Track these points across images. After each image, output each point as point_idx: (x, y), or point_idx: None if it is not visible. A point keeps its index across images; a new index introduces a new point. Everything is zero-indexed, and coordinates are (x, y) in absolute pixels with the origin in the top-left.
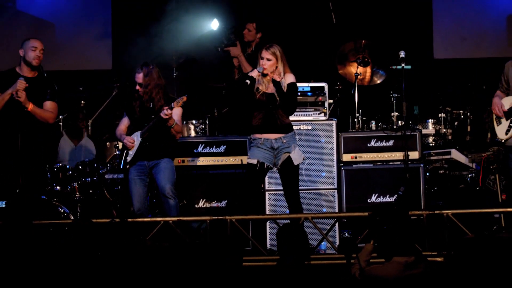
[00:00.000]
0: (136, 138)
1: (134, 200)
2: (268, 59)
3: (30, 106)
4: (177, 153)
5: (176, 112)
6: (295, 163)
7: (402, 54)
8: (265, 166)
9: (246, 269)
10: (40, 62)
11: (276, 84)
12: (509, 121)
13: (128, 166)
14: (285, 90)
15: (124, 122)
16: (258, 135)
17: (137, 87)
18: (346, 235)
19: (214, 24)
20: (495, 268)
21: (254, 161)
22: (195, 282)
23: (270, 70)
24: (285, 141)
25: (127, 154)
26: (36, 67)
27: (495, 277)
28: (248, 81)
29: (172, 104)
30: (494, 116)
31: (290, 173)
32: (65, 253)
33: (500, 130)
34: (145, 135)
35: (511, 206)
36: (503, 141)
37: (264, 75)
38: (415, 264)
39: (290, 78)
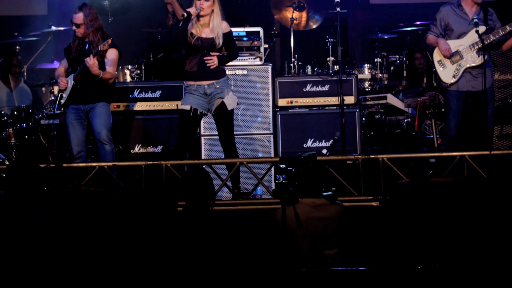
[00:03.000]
0: (69, 81)
1: (73, 143)
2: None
3: None
4: (114, 98)
5: (111, 56)
6: (229, 108)
7: None
8: (199, 113)
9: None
10: None
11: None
12: (455, 65)
13: (62, 109)
14: (221, 38)
15: (63, 64)
16: (191, 82)
17: (74, 28)
18: (281, 180)
19: None
20: (429, 212)
21: (187, 107)
22: (129, 227)
23: (207, 12)
24: (218, 86)
25: (61, 97)
26: None
27: (429, 221)
28: (185, 14)
29: (99, 47)
30: (437, 60)
31: (224, 119)
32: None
33: (446, 74)
34: (77, 78)
35: (446, 151)
36: (448, 84)
37: (199, 16)
38: (324, 207)
39: (227, 26)
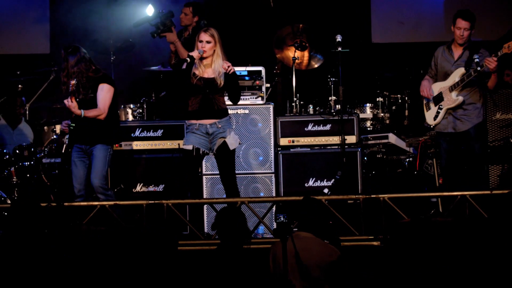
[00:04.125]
0: (70, 122)
1: (74, 181)
2: (208, 42)
3: None
4: (117, 138)
5: (100, 92)
6: (231, 147)
7: (338, 38)
8: (201, 152)
9: (182, 253)
10: None
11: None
12: (437, 107)
13: (70, 150)
14: (222, 78)
15: None
16: (193, 121)
17: None
18: (282, 219)
19: (149, 10)
20: (430, 252)
21: (190, 147)
22: (130, 266)
23: (209, 53)
24: (220, 126)
25: (66, 140)
26: None
27: (430, 260)
28: (188, 59)
29: (71, 93)
30: (424, 101)
31: (226, 158)
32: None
33: (429, 116)
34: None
35: (447, 190)
36: (431, 126)
37: (202, 58)
38: (306, 239)
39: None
